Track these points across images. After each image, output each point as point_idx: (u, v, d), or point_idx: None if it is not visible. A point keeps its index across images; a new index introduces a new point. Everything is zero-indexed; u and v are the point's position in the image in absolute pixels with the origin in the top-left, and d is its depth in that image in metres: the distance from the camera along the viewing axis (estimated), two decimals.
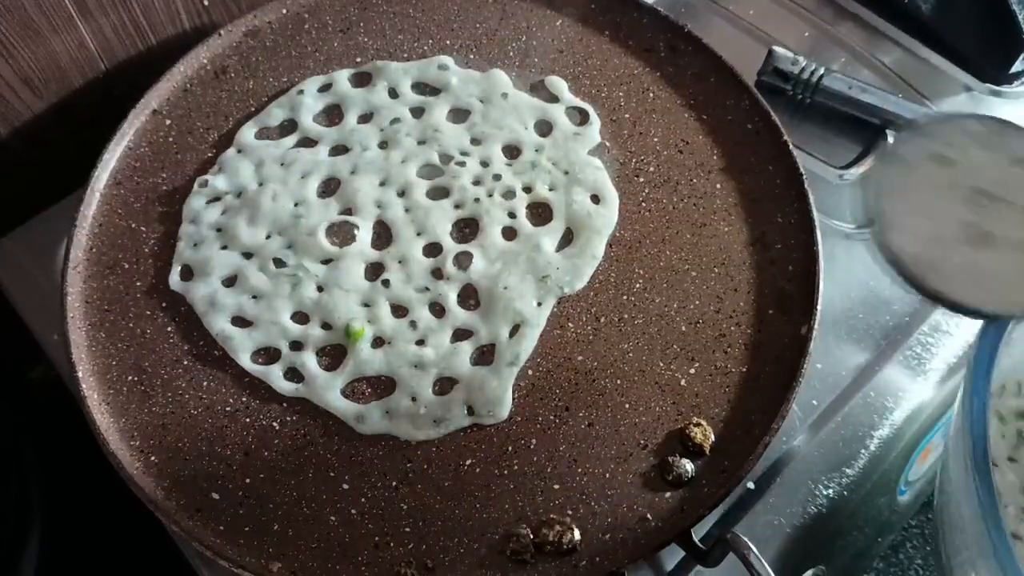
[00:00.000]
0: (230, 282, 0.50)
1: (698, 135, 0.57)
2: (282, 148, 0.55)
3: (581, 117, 0.57)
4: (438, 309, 0.50)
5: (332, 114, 0.57)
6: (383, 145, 0.55)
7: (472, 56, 0.60)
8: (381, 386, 0.48)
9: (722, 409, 0.47)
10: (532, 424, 0.47)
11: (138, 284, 0.50)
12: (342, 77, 0.58)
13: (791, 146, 0.54)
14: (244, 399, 0.47)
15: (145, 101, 0.56)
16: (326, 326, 0.49)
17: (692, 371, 0.48)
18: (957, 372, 0.53)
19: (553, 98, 0.58)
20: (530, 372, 0.48)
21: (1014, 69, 0.64)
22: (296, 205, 0.53)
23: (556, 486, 0.45)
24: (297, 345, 0.49)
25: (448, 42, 0.60)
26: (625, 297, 0.51)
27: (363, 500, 0.45)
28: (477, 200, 0.53)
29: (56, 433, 0.57)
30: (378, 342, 0.49)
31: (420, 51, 0.60)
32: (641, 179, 0.55)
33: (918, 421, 0.52)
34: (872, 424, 0.51)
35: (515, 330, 0.49)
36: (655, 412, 0.47)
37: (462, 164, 0.54)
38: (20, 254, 0.55)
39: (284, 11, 0.61)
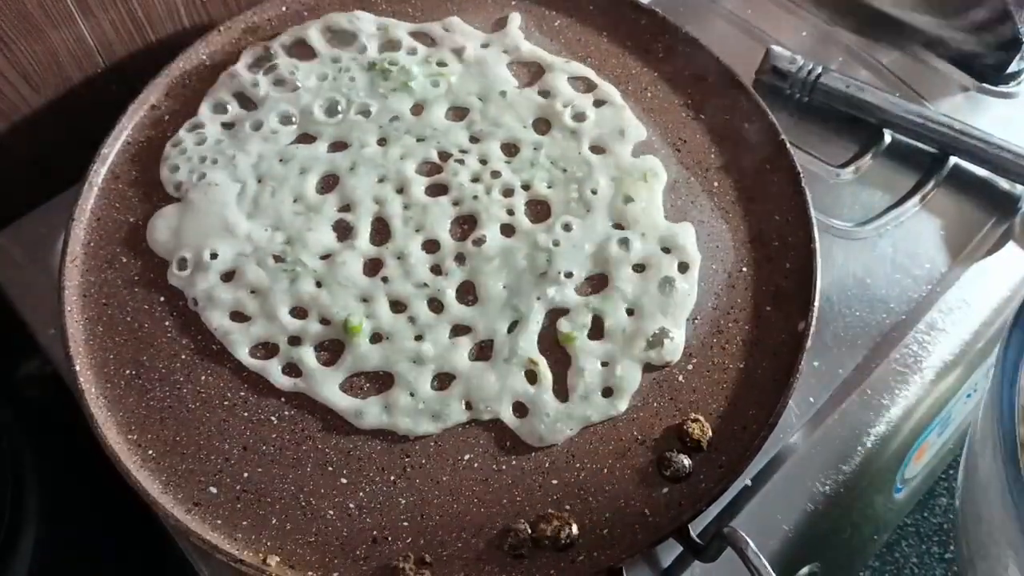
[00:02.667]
0: (228, 277, 0.50)
1: (696, 134, 0.57)
2: (281, 144, 0.55)
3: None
4: (436, 305, 0.50)
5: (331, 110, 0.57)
6: (382, 142, 0.55)
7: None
8: (379, 381, 0.48)
9: (719, 405, 0.47)
10: None
11: (136, 278, 0.50)
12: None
13: (788, 145, 0.55)
14: (242, 393, 0.47)
15: (144, 96, 0.56)
16: (324, 321, 0.49)
17: (690, 367, 0.48)
18: (952, 370, 0.54)
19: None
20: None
21: (1011, 69, 0.65)
22: (295, 201, 0.53)
23: (554, 481, 0.45)
24: (295, 340, 0.49)
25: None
26: None
27: (361, 494, 0.45)
28: (476, 197, 0.53)
29: (49, 428, 0.57)
30: (376, 337, 0.49)
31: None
32: None
33: (914, 419, 0.53)
34: (868, 422, 0.51)
35: (513, 326, 0.49)
36: (652, 408, 0.47)
37: (461, 161, 0.55)
38: (17, 249, 0.54)
39: (284, 8, 0.61)
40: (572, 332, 0.48)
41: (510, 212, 0.53)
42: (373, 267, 0.51)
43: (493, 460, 0.46)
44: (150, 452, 0.45)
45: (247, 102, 0.57)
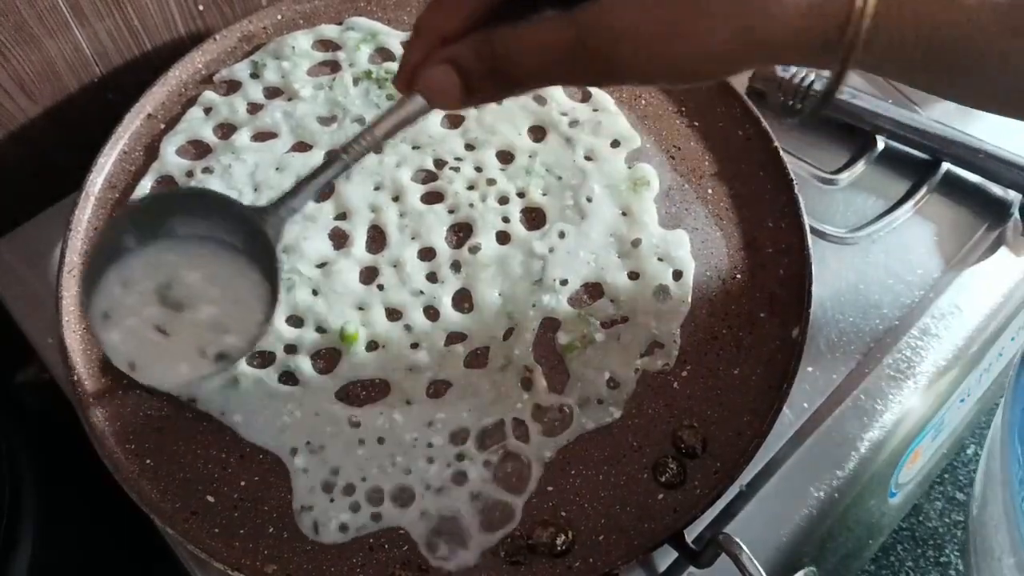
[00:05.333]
0: None
1: (689, 141, 0.57)
2: (276, 152, 0.55)
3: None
4: (432, 312, 0.50)
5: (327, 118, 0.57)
6: (377, 150, 0.56)
7: None
8: (375, 389, 0.48)
9: (714, 411, 0.47)
10: None
11: None
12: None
13: (781, 151, 0.55)
14: None
15: (140, 105, 0.56)
16: (320, 329, 0.49)
17: (684, 373, 0.49)
18: (946, 375, 0.54)
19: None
20: None
21: None
22: None
23: (549, 488, 0.45)
24: (292, 348, 0.49)
25: None
26: None
27: None
28: (471, 205, 0.53)
29: (47, 435, 0.57)
30: (372, 345, 0.49)
31: None
32: None
33: (907, 424, 0.53)
34: (862, 427, 0.51)
35: (508, 333, 0.49)
36: (647, 414, 0.47)
37: (456, 169, 0.55)
38: (14, 258, 0.55)
39: (279, 17, 0.61)
40: (573, 342, 0.49)
41: (505, 219, 0.53)
42: (369, 275, 0.51)
43: None
44: (148, 461, 0.46)
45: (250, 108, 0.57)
